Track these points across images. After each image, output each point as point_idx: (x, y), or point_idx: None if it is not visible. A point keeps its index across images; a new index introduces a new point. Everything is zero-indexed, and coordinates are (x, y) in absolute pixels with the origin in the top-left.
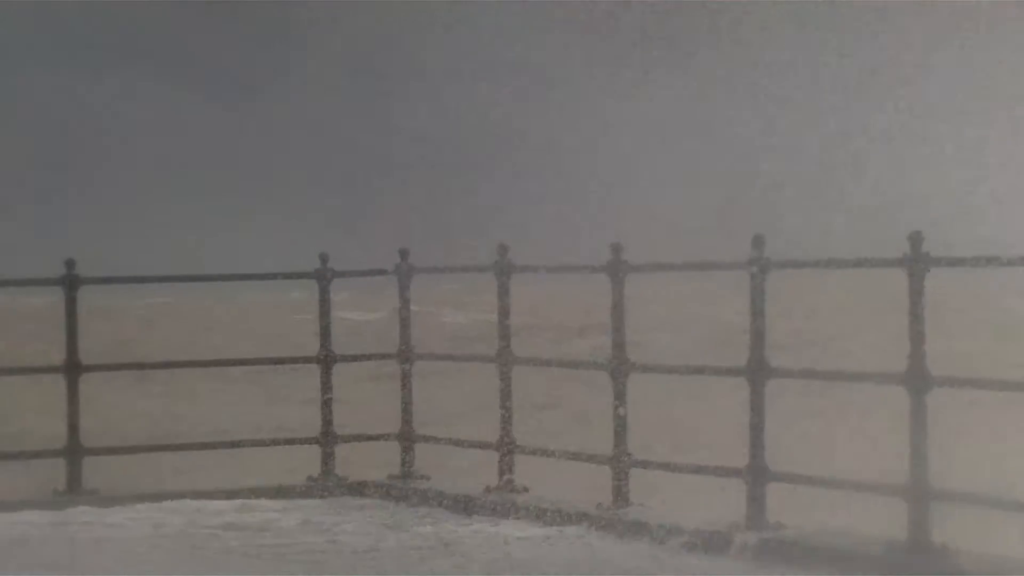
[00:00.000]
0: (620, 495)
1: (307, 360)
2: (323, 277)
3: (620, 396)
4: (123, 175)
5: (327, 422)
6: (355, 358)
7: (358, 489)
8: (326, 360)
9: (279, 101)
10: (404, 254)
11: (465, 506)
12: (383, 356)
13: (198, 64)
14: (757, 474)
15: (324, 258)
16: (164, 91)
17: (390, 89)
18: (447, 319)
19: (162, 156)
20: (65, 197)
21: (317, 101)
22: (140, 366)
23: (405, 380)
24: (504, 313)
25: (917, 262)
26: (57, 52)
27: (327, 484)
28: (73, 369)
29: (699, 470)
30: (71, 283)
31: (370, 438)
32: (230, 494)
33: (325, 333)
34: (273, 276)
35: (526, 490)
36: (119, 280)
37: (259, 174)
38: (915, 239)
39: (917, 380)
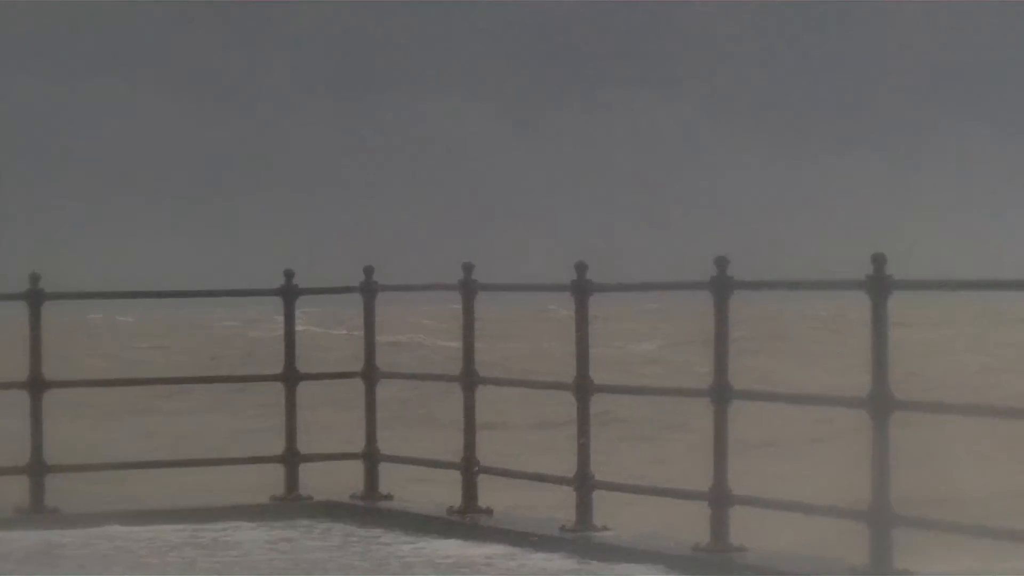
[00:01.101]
0: (584, 517)
1: (271, 378)
2: (288, 294)
3: (583, 416)
4: (89, 185)
5: (291, 441)
6: (319, 377)
7: (322, 509)
8: (290, 378)
9: (252, 111)
10: (369, 271)
11: (428, 527)
12: (347, 375)
13: (171, 71)
14: (720, 497)
15: (289, 275)
16: (135, 99)
17: (358, 103)
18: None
19: (130, 165)
20: (29, 208)
21: (289, 113)
22: (106, 383)
23: (370, 399)
24: (469, 331)
25: (879, 284)
26: (33, 58)
27: (291, 503)
28: (37, 385)
29: (663, 492)
30: (35, 298)
31: (334, 457)
32: (193, 513)
33: (290, 350)
34: (238, 293)
35: (490, 511)
36: (85, 296)
37: (229, 185)
38: (877, 260)
39: (879, 403)
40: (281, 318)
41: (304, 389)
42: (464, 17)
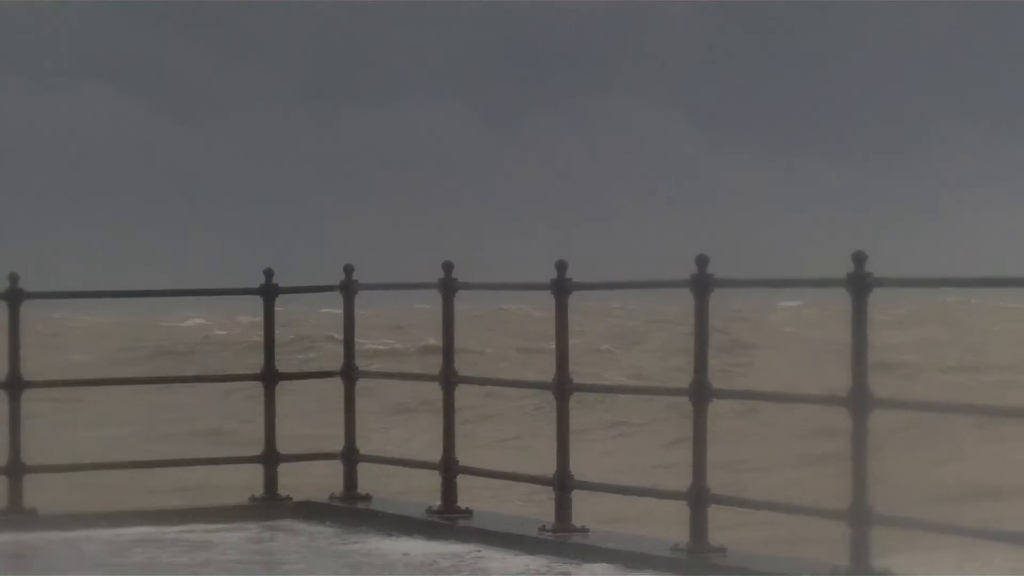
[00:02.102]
0: (563, 517)
1: (250, 377)
2: (268, 293)
3: (562, 415)
4: (68, 189)
5: (270, 441)
6: (299, 376)
7: (300, 509)
8: (270, 378)
9: (231, 117)
10: (349, 270)
11: (407, 527)
12: (328, 374)
13: (149, 79)
14: (699, 497)
15: (269, 274)
16: (115, 105)
17: (337, 107)
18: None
19: (110, 169)
20: (8, 210)
21: (268, 119)
22: (84, 383)
23: (348, 397)
24: (449, 331)
25: (860, 281)
26: (9, 63)
27: (270, 504)
28: (16, 386)
29: (642, 492)
30: (14, 298)
31: (313, 457)
32: (172, 514)
33: (269, 350)
34: (218, 292)
35: (470, 512)
36: (64, 295)
37: (209, 189)
38: (858, 258)
39: (859, 401)
40: (245, 317)
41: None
42: (439, 22)
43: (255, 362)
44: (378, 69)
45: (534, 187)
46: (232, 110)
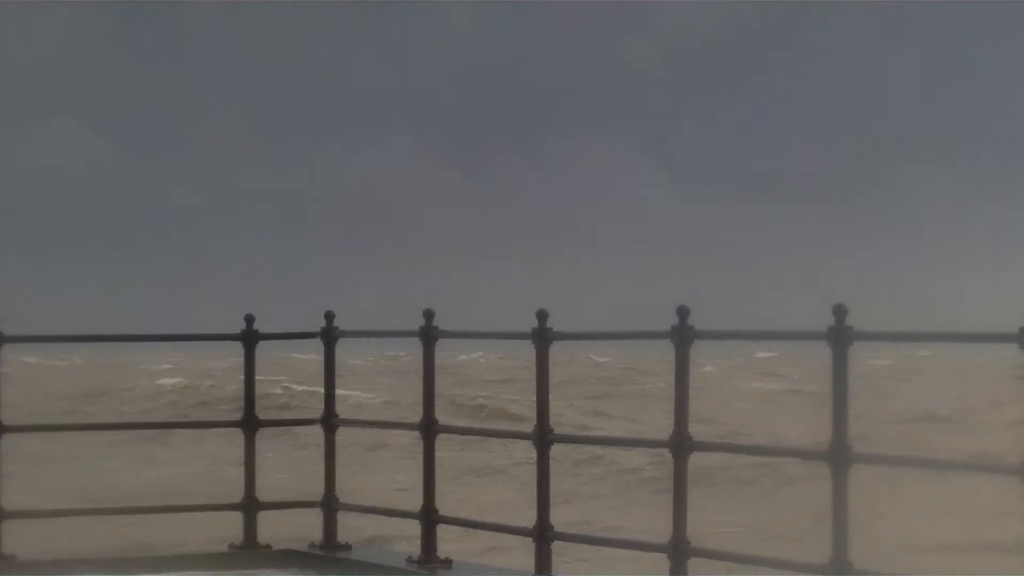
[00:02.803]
0: (543, 568)
1: (230, 424)
2: (249, 339)
3: (543, 466)
4: (51, 230)
5: (250, 487)
6: (279, 423)
7: (280, 558)
8: (250, 424)
9: (202, 156)
10: (330, 317)
11: None
12: (307, 422)
13: (120, 115)
14: (679, 549)
15: (250, 319)
16: (82, 143)
17: (305, 147)
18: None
19: (78, 208)
20: None
21: (239, 153)
22: (65, 427)
23: (329, 447)
24: (429, 379)
25: (841, 334)
26: None
27: (249, 552)
28: None
29: (622, 544)
30: None
31: (293, 505)
32: (151, 561)
33: (249, 397)
34: (198, 337)
35: (449, 562)
36: (44, 339)
37: (187, 230)
38: (839, 311)
39: (839, 456)
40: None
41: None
42: (406, 63)
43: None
44: (346, 110)
45: (503, 229)
46: (198, 148)
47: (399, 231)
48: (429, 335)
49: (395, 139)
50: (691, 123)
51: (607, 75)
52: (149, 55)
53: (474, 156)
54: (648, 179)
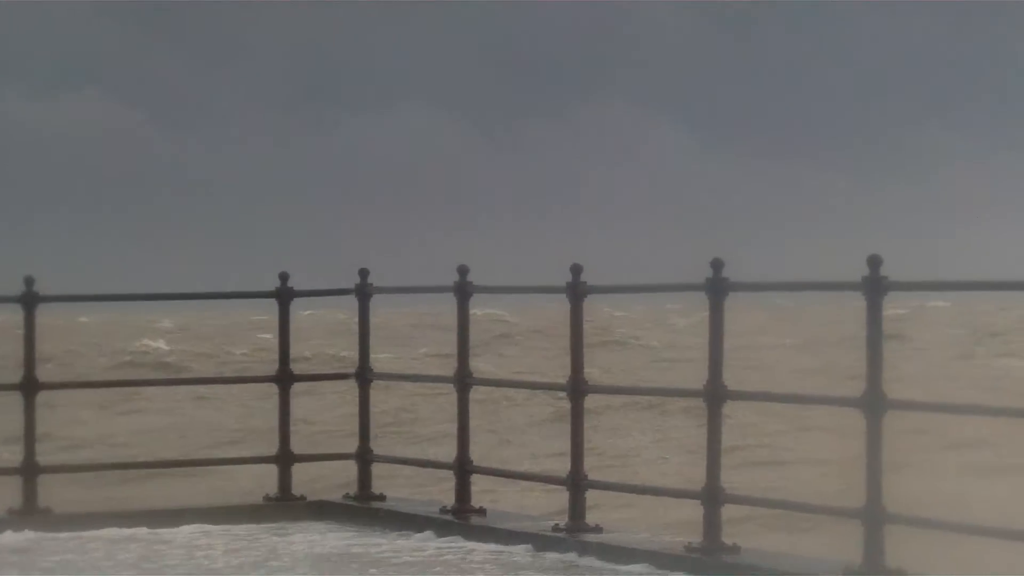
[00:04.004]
0: (577, 517)
1: (265, 379)
2: (283, 296)
3: (577, 417)
4: (75, 195)
5: (285, 441)
6: (314, 378)
7: (315, 509)
8: (284, 380)
9: (227, 125)
10: (364, 274)
11: (421, 526)
12: (342, 376)
13: (150, 84)
14: (713, 496)
15: (284, 277)
16: (109, 112)
17: (330, 114)
18: None
19: (113, 175)
20: (18, 214)
21: (272, 122)
22: (98, 384)
23: (363, 399)
24: (464, 333)
25: (875, 285)
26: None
27: (284, 504)
28: (30, 387)
29: (655, 491)
30: (30, 301)
31: (327, 457)
32: (186, 513)
33: (284, 352)
34: (234, 295)
35: (483, 511)
36: (78, 299)
37: (214, 195)
38: (873, 262)
39: (873, 403)
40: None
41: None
42: (432, 30)
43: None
44: (371, 76)
45: (528, 192)
46: (224, 116)
47: (426, 194)
48: (463, 291)
49: (417, 104)
50: (712, 85)
51: (629, 37)
52: (171, 28)
53: (499, 121)
54: (673, 141)
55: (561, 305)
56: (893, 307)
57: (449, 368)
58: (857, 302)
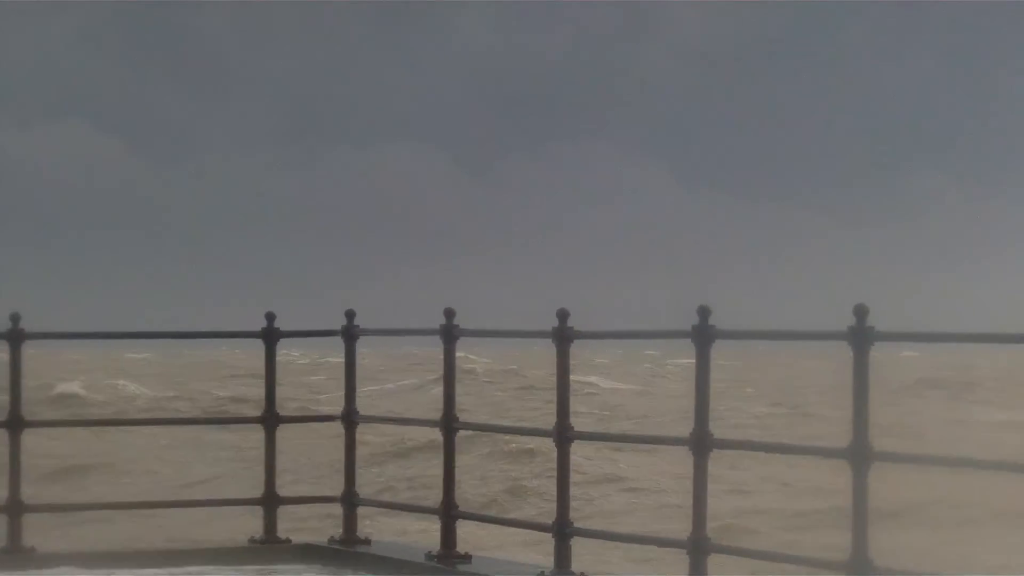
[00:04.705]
0: (562, 564)
1: (251, 420)
2: (270, 337)
3: (562, 463)
4: (63, 230)
5: (270, 483)
6: (300, 419)
7: (300, 553)
8: (270, 421)
9: (213, 158)
10: (350, 315)
11: (405, 572)
12: (327, 418)
13: (134, 119)
14: (699, 545)
15: (270, 317)
16: (95, 144)
17: (315, 150)
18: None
19: (100, 212)
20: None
21: (253, 159)
22: (83, 423)
23: (349, 442)
24: (450, 377)
25: (861, 335)
26: None
27: (269, 546)
28: (16, 424)
29: (641, 540)
30: (15, 338)
31: (314, 500)
32: (171, 555)
33: (270, 393)
34: (220, 335)
35: (468, 557)
36: (65, 336)
37: (200, 231)
38: (860, 312)
39: (859, 454)
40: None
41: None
42: (417, 68)
43: None
44: (357, 113)
45: (512, 229)
46: (209, 151)
47: (410, 231)
48: (450, 334)
49: (404, 142)
50: (696, 127)
51: (613, 79)
52: (159, 60)
53: (482, 158)
54: (657, 181)
55: (524, 345)
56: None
57: (411, 400)
58: (828, 348)
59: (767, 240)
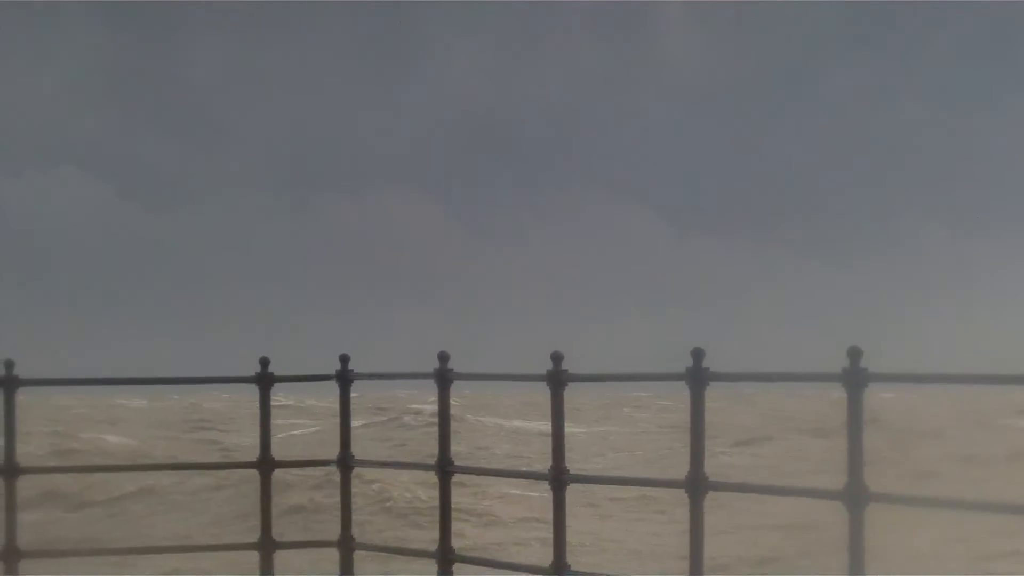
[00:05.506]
0: None
1: (246, 465)
2: (264, 382)
3: (559, 506)
4: (54, 277)
5: (266, 528)
6: (295, 464)
7: None
8: (265, 466)
9: (203, 205)
10: (345, 360)
11: None
12: (323, 463)
13: (125, 167)
14: None
15: (264, 362)
16: (87, 191)
17: (306, 197)
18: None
19: (92, 258)
20: None
21: (243, 205)
22: (79, 469)
23: (344, 486)
24: (445, 420)
25: (856, 377)
26: None
27: None
28: (11, 472)
29: None
30: (9, 384)
31: (310, 544)
32: None
33: (265, 438)
34: (213, 380)
35: None
36: (59, 382)
37: (193, 275)
38: (854, 353)
39: (855, 495)
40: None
41: None
42: (408, 114)
43: None
44: (350, 159)
45: (502, 277)
46: (200, 198)
47: (400, 275)
48: (444, 377)
49: (393, 188)
50: (688, 173)
51: (608, 127)
52: (149, 108)
53: (475, 205)
54: (649, 227)
55: (501, 387)
56: (839, 392)
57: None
58: (802, 388)
59: (758, 282)
